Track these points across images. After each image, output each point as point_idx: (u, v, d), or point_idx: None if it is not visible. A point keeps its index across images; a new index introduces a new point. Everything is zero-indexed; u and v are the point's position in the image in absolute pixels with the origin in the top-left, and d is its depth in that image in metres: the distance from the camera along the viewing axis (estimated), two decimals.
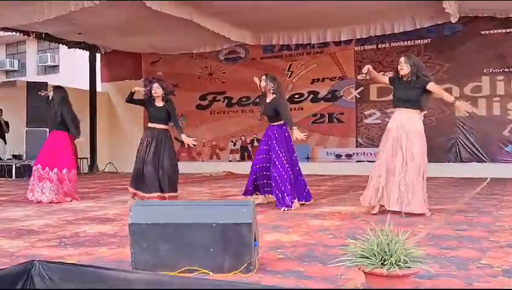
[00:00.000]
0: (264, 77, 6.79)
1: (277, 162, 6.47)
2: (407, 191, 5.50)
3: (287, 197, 6.33)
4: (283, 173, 6.41)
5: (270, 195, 6.74)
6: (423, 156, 5.71)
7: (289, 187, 6.38)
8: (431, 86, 5.74)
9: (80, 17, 11.72)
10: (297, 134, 6.45)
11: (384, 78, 6.36)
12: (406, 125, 5.71)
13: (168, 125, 6.99)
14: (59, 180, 7.63)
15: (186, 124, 16.25)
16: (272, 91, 6.72)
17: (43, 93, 8.04)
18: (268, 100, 6.75)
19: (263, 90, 6.80)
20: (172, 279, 2.56)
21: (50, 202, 7.41)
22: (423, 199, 5.64)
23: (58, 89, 8.01)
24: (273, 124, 6.75)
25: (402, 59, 5.85)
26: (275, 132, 6.68)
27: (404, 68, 5.78)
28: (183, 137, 6.88)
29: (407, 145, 5.64)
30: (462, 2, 11.01)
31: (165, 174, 6.74)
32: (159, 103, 6.97)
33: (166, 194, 6.70)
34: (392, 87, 6.01)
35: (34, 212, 6.47)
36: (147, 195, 6.64)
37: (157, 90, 6.97)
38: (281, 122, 6.72)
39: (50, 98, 7.85)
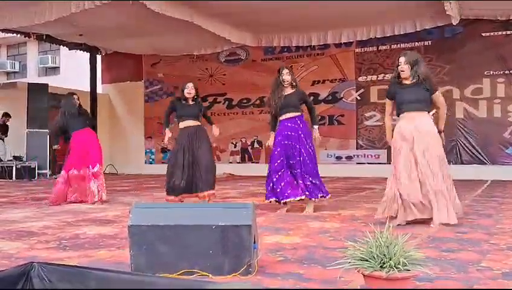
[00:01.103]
0: (287, 70, 6.56)
1: (311, 152, 6.45)
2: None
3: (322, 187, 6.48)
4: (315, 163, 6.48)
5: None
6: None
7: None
8: (438, 95, 5.35)
9: (80, 18, 11.72)
10: (317, 134, 6.56)
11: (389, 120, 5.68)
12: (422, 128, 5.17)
13: (200, 121, 7.08)
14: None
15: None
16: (293, 83, 6.58)
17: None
18: (288, 92, 6.53)
19: (287, 82, 6.50)
20: (171, 281, 2.56)
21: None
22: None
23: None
24: (293, 115, 6.51)
25: (401, 59, 5.29)
26: (299, 122, 6.52)
27: (406, 70, 5.25)
28: (215, 129, 7.20)
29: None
30: (463, 3, 11.00)
31: (204, 172, 6.80)
32: (190, 102, 7.06)
33: (206, 193, 6.81)
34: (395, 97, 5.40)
35: (33, 213, 6.47)
36: (195, 195, 6.82)
37: (191, 90, 7.06)
38: (299, 113, 6.58)
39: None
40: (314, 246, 4.12)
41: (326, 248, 4.03)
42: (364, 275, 2.52)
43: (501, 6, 11.30)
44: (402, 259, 2.44)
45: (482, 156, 12.48)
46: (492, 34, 12.47)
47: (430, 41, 13.18)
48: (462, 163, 12.64)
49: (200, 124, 7.04)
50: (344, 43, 13.90)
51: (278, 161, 6.38)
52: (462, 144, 12.69)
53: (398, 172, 5.12)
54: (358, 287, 2.80)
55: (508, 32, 12.29)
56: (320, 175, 6.66)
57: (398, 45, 13.44)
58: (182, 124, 6.98)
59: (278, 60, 15.20)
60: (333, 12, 11.70)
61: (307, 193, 6.34)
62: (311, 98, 14.60)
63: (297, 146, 6.38)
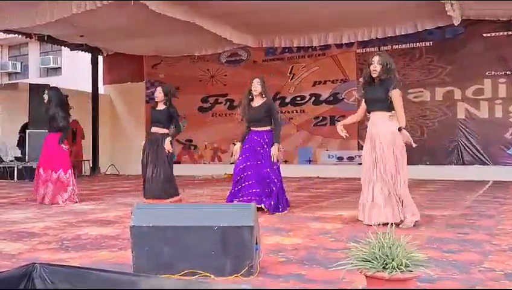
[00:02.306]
0: (258, 80, 6.55)
1: (275, 167, 6.46)
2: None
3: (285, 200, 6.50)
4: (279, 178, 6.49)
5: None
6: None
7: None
8: (394, 94, 5.21)
9: (82, 19, 11.72)
10: (274, 151, 6.39)
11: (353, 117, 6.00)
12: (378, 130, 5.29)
13: (169, 129, 7.00)
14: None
15: (188, 126, 16.27)
16: (263, 95, 6.56)
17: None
18: (257, 104, 6.53)
19: (257, 93, 6.52)
20: (173, 282, 2.56)
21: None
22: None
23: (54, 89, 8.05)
24: (261, 129, 6.52)
25: (375, 58, 5.30)
26: (265, 137, 6.51)
27: (377, 69, 5.25)
28: (166, 141, 6.82)
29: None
30: (464, 3, 10.99)
31: (163, 181, 6.80)
32: (160, 107, 7.00)
33: (170, 199, 6.81)
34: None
35: (35, 214, 6.47)
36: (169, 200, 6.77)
37: (158, 94, 7.00)
38: (269, 127, 6.55)
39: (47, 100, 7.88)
40: (315, 247, 4.11)
41: (328, 249, 4.02)
42: (366, 276, 2.51)
43: (502, 6, 11.29)
44: (404, 260, 2.44)
45: (483, 156, 12.47)
46: (493, 34, 12.46)
47: (431, 42, 13.17)
48: (463, 163, 12.63)
49: (166, 131, 6.96)
50: (345, 43, 13.90)
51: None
52: (464, 145, 12.68)
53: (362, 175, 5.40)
54: (360, 288, 2.80)
55: (510, 32, 12.27)
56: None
57: (399, 45, 13.44)
58: (151, 129, 7.08)
59: (279, 61, 15.21)
60: (334, 12, 11.69)
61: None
62: (313, 98, 14.67)
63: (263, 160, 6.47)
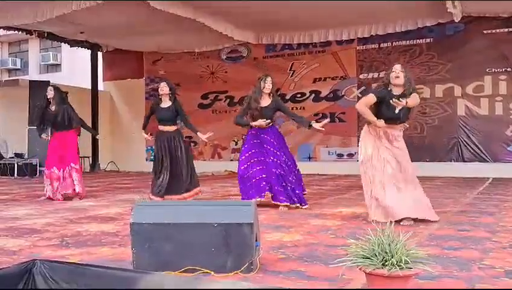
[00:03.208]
0: (269, 78, 6.49)
1: (289, 163, 6.50)
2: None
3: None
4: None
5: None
6: None
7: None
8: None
9: (81, 16, 11.71)
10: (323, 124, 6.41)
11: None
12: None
13: (177, 124, 7.04)
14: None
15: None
16: (271, 94, 6.56)
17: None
18: (267, 103, 6.49)
19: (269, 91, 6.49)
20: (173, 279, 2.56)
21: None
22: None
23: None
24: (268, 126, 6.53)
25: (398, 66, 5.21)
26: (276, 132, 6.59)
27: (401, 77, 5.13)
28: (200, 135, 7.09)
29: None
30: (464, 2, 10.98)
31: (187, 176, 6.85)
32: (166, 103, 6.99)
33: (192, 192, 6.97)
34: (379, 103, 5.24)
35: (36, 211, 6.48)
36: (176, 197, 6.86)
37: (163, 88, 6.98)
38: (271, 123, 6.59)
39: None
40: (315, 244, 4.12)
41: (328, 246, 4.03)
42: (366, 273, 2.52)
43: (501, 6, 11.29)
44: (404, 257, 2.44)
45: (483, 153, 12.46)
46: (494, 31, 12.44)
47: (431, 39, 13.15)
48: (463, 161, 12.63)
49: (176, 128, 7.23)
50: (345, 40, 13.89)
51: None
52: (464, 142, 12.67)
53: None
54: (360, 287, 2.80)
55: (510, 29, 12.25)
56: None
57: (400, 42, 13.44)
58: (159, 127, 7.27)
59: (279, 58, 15.20)
60: (334, 9, 11.68)
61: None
62: (313, 95, 14.67)
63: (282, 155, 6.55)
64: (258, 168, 6.42)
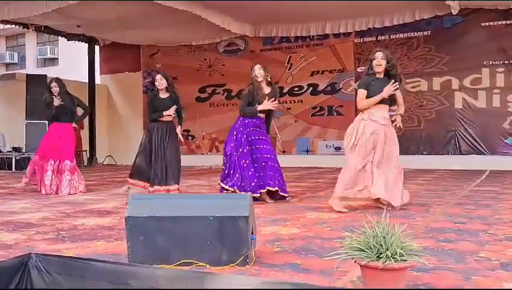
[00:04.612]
0: (257, 66, 6.48)
1: (272, 156, 6.48)
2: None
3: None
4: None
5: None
6: None
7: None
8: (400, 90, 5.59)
9: (78, 9, 11.68)
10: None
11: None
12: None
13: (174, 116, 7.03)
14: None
15: (186, 116, 16.20)
16: (268, 80, 6.53)
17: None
18: (268, 90, 6.48)
19: (260, 79, 6.42)
20: (168, 272, 2.56)
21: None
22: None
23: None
24: (262, 116, 6.56)
25: (379, 54, 5.53)
26: (263, 124, 6.63)
27: (382, 65, 5.51)
28: (178, 129, 6.98)
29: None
30: None
31: (169, 167, 6.78)
32: (164, 95, 6.96)
33: (171, 187, 6.78)
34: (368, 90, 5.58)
35: (32, 205, 6.48)
36: (152, 188, 6.73)
37: (161, 81, 6.94)
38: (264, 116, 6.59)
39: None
40: (311, 237, 4.12)
41: (324, 239, 4.03)
42: (360, 266, 2.52)
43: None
44: (398, 249, 2.44)
45: (481, 146, 12.48)
46: (492, 24, 12.43)
47: (429, 32, 13.13)
48: (461, 153, 12.65)
49: (171, 119, 7.06)
50: (343, 33, 13.89)
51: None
52: (461, 134, 12.69)
53: None
54: (355, 280, 2.81)
55: (508, 22, 12.24)
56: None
57: (397, 35, 13.43)
58: None
59: (276, 51, 15.18)
60: (332, 2, 11.65)
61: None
62: (310, 89, 14.65)
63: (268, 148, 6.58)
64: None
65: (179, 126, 7.07)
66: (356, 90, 14.53)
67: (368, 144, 5.48)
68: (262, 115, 6.55)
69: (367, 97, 5.54)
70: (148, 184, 6.81)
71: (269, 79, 6.55)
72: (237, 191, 6.18)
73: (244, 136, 6.43)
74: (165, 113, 6.82)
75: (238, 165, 6.35)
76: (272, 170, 6.34)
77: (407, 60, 13.31)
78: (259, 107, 6.40)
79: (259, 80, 6.43)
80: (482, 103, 12.58)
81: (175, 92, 7.04)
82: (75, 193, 7.69)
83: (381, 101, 5.51)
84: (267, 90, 6.49)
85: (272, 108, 6.45)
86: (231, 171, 6.39)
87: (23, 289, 2.53)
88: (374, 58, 5.51)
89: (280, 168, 6.47)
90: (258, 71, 6.43)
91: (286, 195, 6.45)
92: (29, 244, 3.92)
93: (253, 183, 6.24)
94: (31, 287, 2.55)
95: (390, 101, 5.61)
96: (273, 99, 6.39)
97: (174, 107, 6.84)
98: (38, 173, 7.87)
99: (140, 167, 6.96)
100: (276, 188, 6.31)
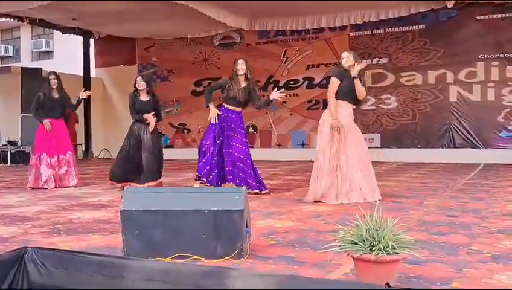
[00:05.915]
0: (240, 60, 6.70)
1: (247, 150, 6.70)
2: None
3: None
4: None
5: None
6: None
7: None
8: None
9: (73, 2, 11.65)
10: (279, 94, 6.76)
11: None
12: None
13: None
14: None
15: (181, 110, 16.25)
16: (248, 76, 6.70)
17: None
18: (244, 84, 6.68)
19: (241, 73, 6.64)
20: (163, 265, 2.59)
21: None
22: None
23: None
24: (238, 109, 6.77)
25: (345, 54, 6.13)
26: (241, 117, 6.81)
27: (351, 60, 6.07)
28: (153, 120, 7.20)
29: None
30: None
31: (149, 164, 6.95)
32: (144, 97, 7.11)
33: (151, 183, 6.94)
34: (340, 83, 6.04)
35: (28, 198, 6.49)
36: (140, 185, 6.80)
37: (140, 83, 7.12)
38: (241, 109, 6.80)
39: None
40: (306, 230, 4.15)
41: (318, 232, 4.06)
42: (353, 258, 2.55)
43: None
44: (391, 242, 2.47)
45: (475, 139, 12.53)
46: (487, 17, 12.45)
47: (424, 25, 13.15)
48: (455, 146, 12.70)
49: None
50: (339, 27, 13.89)
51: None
52: (456, 128, 12.73)
53: None
54: (348, 272, 2.84)
55: (504, 15, 12.26)
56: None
57: (393, 28, 13.44)
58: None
59: (272, 44, 15.15)
60: None
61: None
62: (306, 82, 14.66)
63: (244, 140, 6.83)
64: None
65: (157, 121, 7.30)
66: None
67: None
68: (239, 109, 6.75)
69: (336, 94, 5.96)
70: (128, 184, 6.86)
71: (249, 75, 6.69)
72: (203, 179, 6.47)
73: (219, 128, 6.71)
74: (145, 116, 7.12)
75: (209, 151, 6.68)
76: (238, 169, 6.56)
77: (402, 54, 13.34)
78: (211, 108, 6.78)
79: (239, 73, 6.64)
80: (477, 96, 12.62)
81: (154, 94, 7.32)
82: (81, 185, 7.84)
83: (345, 99, 5.99)
84: (243, 84, 6.68)
85: (278, 99, 6.85)
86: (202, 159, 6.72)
87: (18, 288, 2.55)
88: (342, 58, 6.14)
89: (252, 166, 6.65)
90: (241, 66, 6.65)
91: (256, 191, 6.54)
92: (26, 238, 3.94)
93: (213, 173, 6.52)
94: (27, 280, 2.57)
95: (354, 99, 6.06)
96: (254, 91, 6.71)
97: (155, 119, 7.20)
98: (35, 169, 7.83)
99: (120, 167, 7.19)
100: (232, 184, 6.47)
